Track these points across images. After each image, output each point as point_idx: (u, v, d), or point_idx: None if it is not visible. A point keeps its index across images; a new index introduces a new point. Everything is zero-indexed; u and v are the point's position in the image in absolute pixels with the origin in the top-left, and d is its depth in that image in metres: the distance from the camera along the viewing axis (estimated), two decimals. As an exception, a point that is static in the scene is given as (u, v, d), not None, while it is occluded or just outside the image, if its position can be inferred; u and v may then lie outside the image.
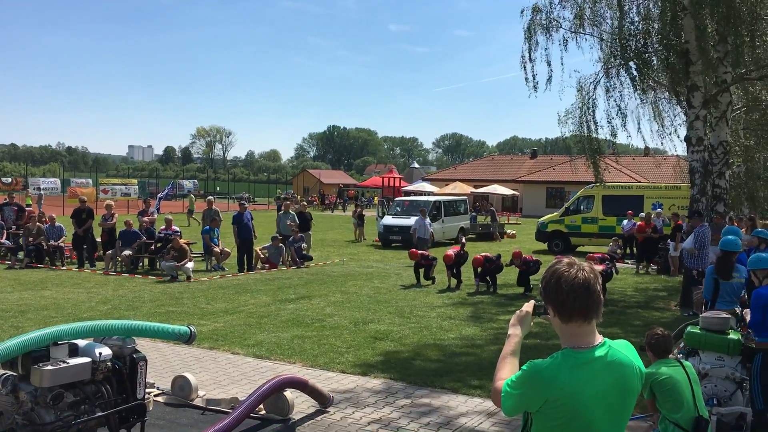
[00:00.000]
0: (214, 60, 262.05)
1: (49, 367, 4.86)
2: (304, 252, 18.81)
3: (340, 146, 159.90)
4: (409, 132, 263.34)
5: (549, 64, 15.28)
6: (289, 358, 8.51)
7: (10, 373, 5.06)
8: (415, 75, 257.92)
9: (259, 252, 18.02)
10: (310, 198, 57.85)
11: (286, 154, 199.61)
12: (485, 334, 10.18)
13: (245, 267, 17.05)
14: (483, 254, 14.85)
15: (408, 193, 43.43)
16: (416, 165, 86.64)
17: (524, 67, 15.41)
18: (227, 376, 7.72)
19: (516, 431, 6.04)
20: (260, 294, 13.41)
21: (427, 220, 20.04)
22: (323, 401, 6.62)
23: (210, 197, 21.10)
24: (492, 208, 34.64)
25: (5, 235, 19.45)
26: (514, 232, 32.00)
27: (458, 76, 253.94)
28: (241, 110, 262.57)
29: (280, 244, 18.37)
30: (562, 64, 15.44)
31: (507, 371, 2.54)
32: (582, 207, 24.58)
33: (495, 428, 6.18)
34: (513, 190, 51.38)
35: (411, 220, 25.21)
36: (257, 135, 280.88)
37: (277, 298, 12.86)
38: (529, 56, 15.26)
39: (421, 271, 15.10)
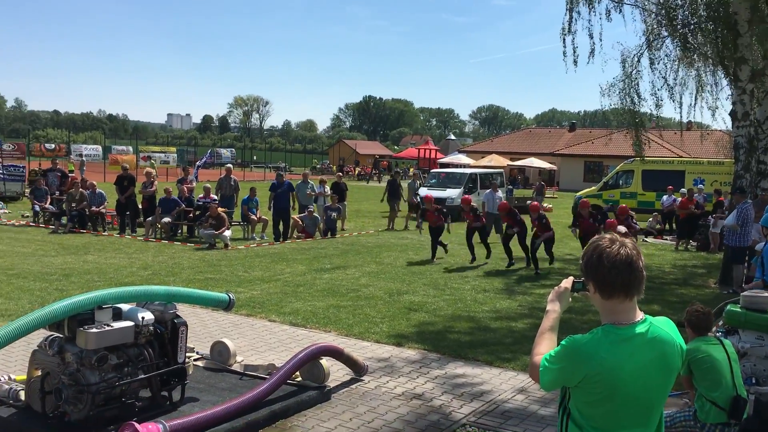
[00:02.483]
0: (252, 29, 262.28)
1: (94, 330, 5.01)
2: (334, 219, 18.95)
3: (376, 117, 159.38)
4: (445, 103, 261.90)
5: (591, 37, 14.91)
6: (325, 326, 8.62)
7: (56, 334, 5.24)
8: (453, 45, 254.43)
9: (297, 219, 18.20)
10: (345, 168, 57.94)
11: (323, 124, 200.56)
12: (520, 307, 10.16)
13: (281, 236, 17.23)
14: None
15: (444, 165, 43.22)
16: (452, 137, 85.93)
17: (563, 39, 15.03)
18: (264, 343, 7.87)
19: (549, 405, 6.06)
20: (296, 263, 13.56)
21: (498, 193, 19.52)
22: (358, 370, 6.72)
23: (229, 165, 21.23)
24: (542, 183, 34.18)
25: (49, 200, 19.95)
26: (550, 206, 31.64)
27: (497, 46, 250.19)
28: (278, 79, 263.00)
29: (315, 215, 18.51)
30: (601, 39, 15.00)
31: (545, 346, 2.55)
32: (621, 182, 24.20)
33: (528, 402, 6.21)
34: (550, 163, 50.74)
35: (446, 192, 25.20)
36: (294, 105, 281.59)
37: (312, 268, 12.99)
38: (569, 28, 14.88)
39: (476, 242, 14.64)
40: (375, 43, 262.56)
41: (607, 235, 2.48)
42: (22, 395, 5.45)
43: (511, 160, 49.37)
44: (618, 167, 25.11)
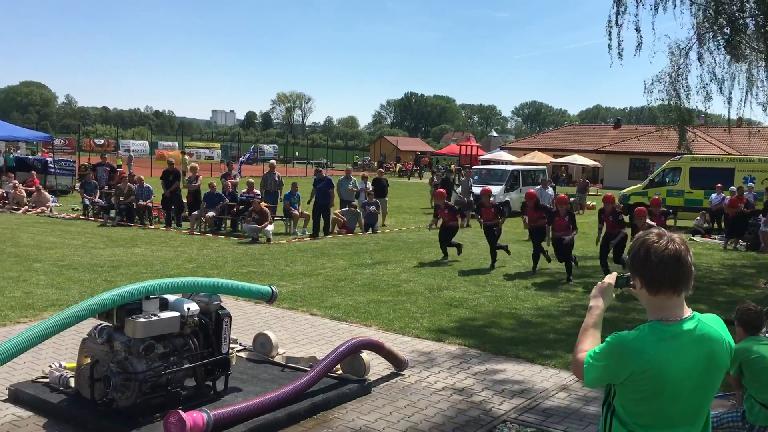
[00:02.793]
0: (295, 26, 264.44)
1: (142, 320, 5.13)
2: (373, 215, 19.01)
3: (417, 113, 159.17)
4: (487, 100, 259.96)
5: (638, 30, 14.65)
6: (365, 321, 8.66)
7: (105, 323, 5.37)
8: (495, 41, 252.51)
9: (339, 215, 18.31)
10: (386, 165, 57.98)
11: (364, 120, 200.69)
12: (562, 305, 10.05)
13: (320, 231, 17.34)
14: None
15: (485, 162, 42.92)
16: (494, 133, 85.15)
17: (609, 33, 14.80)
18: (305, 336, 7.95)
19: (592, 404, 5.98)
20: (337, 258, 13.64)
21: (549, 190, 19.23)
22: (398, 364, 6.73)
23: (273, 161, 21.43)
24: (586, 180, 33.69)
25: (98, 194, 20.45)
26: (593, 203, 31.18)
27: (540, 42, 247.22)
28: (320, 76, 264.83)
29: (357, 210, 18.60)
30: (653, 29, 14.73)
31: (589, 343, 2.52)
32: (668, 179, 23.71)
33: (570, 400, 6.14)
34: (594, 160, 49.96)
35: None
36: (336, 101, 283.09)
37: (353, 263, 13.05)
38: (616, 21, 14.65)
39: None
40: (417, 40, 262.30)
41: (655, 230, 2.44)
42: (72, 382, 5.61)
43: (554, 157, 48.80)
44: (665, 164, 24.61)
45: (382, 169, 26.58)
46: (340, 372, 6.30)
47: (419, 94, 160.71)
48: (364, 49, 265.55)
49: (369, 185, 20.16)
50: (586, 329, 2.57)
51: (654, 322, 2.37)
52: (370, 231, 18.45)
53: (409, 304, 9.64)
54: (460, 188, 22.99)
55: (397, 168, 60.94)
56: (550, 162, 45.38)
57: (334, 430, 5.33)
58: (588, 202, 31.14)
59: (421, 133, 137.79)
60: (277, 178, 18.84)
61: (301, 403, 5.58)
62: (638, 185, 25.70)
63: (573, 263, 12.63)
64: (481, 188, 16.05)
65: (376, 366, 6.67)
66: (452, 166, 54.66)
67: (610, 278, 2.65)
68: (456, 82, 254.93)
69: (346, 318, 8.79)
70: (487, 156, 49.57)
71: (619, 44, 14.75)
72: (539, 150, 50.10)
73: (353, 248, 15.11)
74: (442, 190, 16.03)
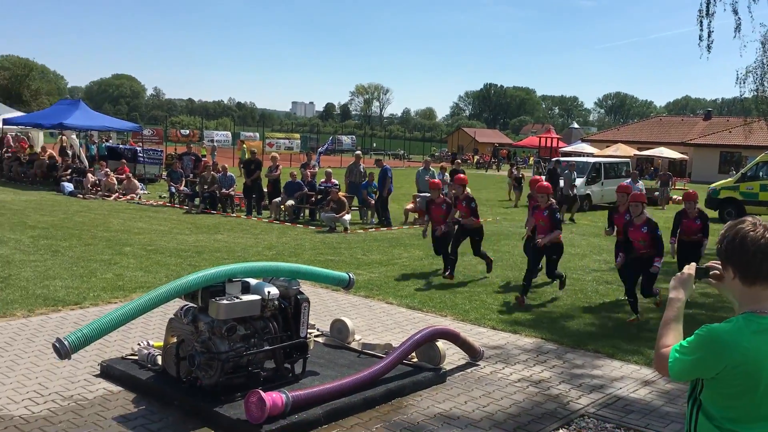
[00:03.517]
0: (374, 18, 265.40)
1: (225, 302, 5.30)
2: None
3: (496, 105, 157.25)
4: (569, 91, 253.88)
5: (736, 12, 13.91)
6: (441, 311, 8.65)
7: (191, 305, 5.58)
8: (578, 30, 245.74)
9: (413, 202, 18.41)
10: (463, 156, 57.55)
11: (442, 112, 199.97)
12: (644, 301, 9.74)
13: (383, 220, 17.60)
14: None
15: (566, 154, 41.99)
16: (575, 125, 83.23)
17: (700, 22, 14.16)
18: (381, 324, 8.01)
19: (676, 401, 5.79)
20: (413, 248, 13.67)
21: (639, 184, 18.52)
22: (474, 354, 6.70)
23: (358, 152, 21.61)
24: (669, 173, 32.49)
25: (184, 182, 21.19)
26: (680, 197, 30.04)
27: (625, 31, 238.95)
28: (398, 68, 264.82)
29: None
30: (751, 14, 14.03)
31: (672, 337, 2.43)
32: (762, 173, 22.55)
33: (652, 397, 5.96)
34: (681, 153, 48.06)
35: (568, 181, 24.47)
36: (414, 93, 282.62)
37: (429, 253, 13.02)
38: (707, 10, 14.00)
39: None
40: (496, 30, 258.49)
41: (748, 218, 2.34)
42: (159, 360, 5.86)
43: (639, 149, 47.22)
44: (758, 158, 23.41)
45: (458, 161, 26.39)
46: (415, 360, 6.32)
47: (498, 86, 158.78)
48: (443, 40, 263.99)
49: (447, 176, 20.08)
50: (668, 323, 2.47)
51: (748, 314, 2.27)
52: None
53: (485, 296, 9.57)
54: (562, 181, 22.07)
55: (475, 160, 60.43)
56: (634, 155, 43.96)
57: (409, 416, 5.36)
58: (674, 196, 30.01)
59: (500, 125, 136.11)
60: (362, 169, 19.01)
61: (377, 388, 5.64)
62: (728, 179, 24.58)
63: (561, 280, 9.91)
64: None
65: (452, 356, 6.67)
66: (531, 158, 53.78)
67: (690, 269, 2.55)
68: (536, 72, 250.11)
69: (421, 307, 8.81)
70: (567, 148, 48.50)
71: (709, 35, 14.11)
72: (623, 142, 48.61)
73: (429, 239, 15.07)
74: (436, 180, 12.46)
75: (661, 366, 2.40)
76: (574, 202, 20.62)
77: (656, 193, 28.13)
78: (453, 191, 11.30)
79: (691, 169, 50.45)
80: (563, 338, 7.63)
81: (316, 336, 6.90)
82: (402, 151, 67.81)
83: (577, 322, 8.40)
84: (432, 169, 19.83)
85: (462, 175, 11.06)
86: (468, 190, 10.90)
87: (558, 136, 53.61)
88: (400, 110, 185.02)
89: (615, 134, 59.56)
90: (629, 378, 6.43)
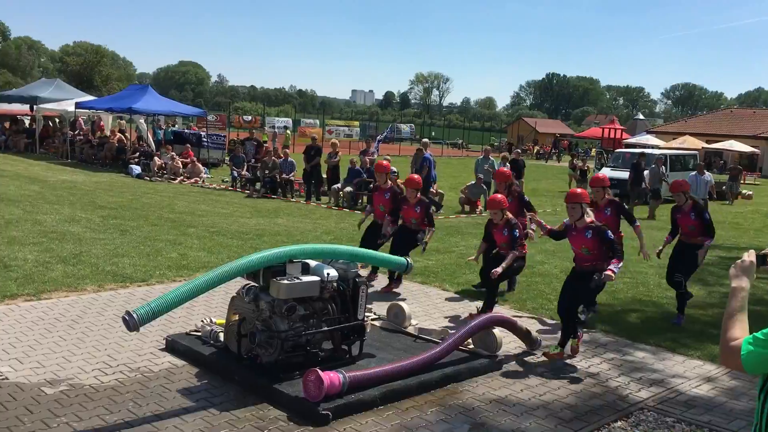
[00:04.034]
0: (435, 6, 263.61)
1: (285, 282, 5.41)
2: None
3: (558, 95, 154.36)
4: (634, 81, 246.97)
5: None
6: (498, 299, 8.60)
7: (253, 284, 5.72)
8: (645, 19, 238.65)
9: (464, 193, 18.40)
10: (523, 147, 56.79)
11: (502, 101, 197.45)
12: (709, 296, 9.48)
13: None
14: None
15: (629, 146, 40.95)
16: (641, 116, 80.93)
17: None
18: (437, 310, 8.03)
19: (741, 398, 5.64)
20: (471, 237, 13.60)
21: (707, 176, 17.52)
22: (531, 344, 6.66)
23: (425, 140, 21.59)
24: (739, 167, 31.36)
25: (246, 167, 21.59)
26: (750, 192, 28.99)
27: (695, 19, 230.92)
28: (459, 56, 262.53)
29: (483, 185, 18.55)
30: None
31: (739, 329, 2.34)
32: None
33: (716, 393, 5.81)
34: (753, 147, 46.25)
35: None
36: (474, 82, 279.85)
37: (487, 242, 12.97)
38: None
39: None
40: (560, 18, 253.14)
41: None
42: (221, 337, 6.03)
43: (707, 142, 45.66)
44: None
45: (519, 150, 26.05)
46: (471, 346, 6.33)
47: (561, 75, 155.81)
48: (504, 29, 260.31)
49: (507, 166, 19.91)
50: (733, 314, 2.37)
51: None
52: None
53: (543, 286, 9.47)
54: (647, 175, 20.93)
55: (535, 150, 59.56)
56: (702, 147, 42.54)
57: (464, 401, 5.37)
58: (744, 191, 28.97)
59: (562, 116, 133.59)
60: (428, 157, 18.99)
61: (432, 373, 5.67)
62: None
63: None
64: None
65: (508, 344, 6.64)
66: (593, 150, 52.65)
67: (750, 255, 2.45)
68: (601, 62, 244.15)
69: (478, 295, 8.78)
70: (631, 140, 47.26)
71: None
72: (690, 134, 47.06)
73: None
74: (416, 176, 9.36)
75: (731, 360, 2.31)
76: (657, 199, 19.70)
77: (724, 187, 27.21)
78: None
79: (763, 163, 48.50)
80: (622, 331, 7.50)
81: (373, 319, 6.98)
82: (461, 141, 67.39)
83: (637, 316, 8.24)
84: (492, 158, 19.67)
85: (498, 196, 7.96)
86: (509, 215, 7.97)
87: (622, 128, 52.37)
88: (460, 99, 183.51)
89: (682, 126, 57.69)
90: (691, 373, 6.28)
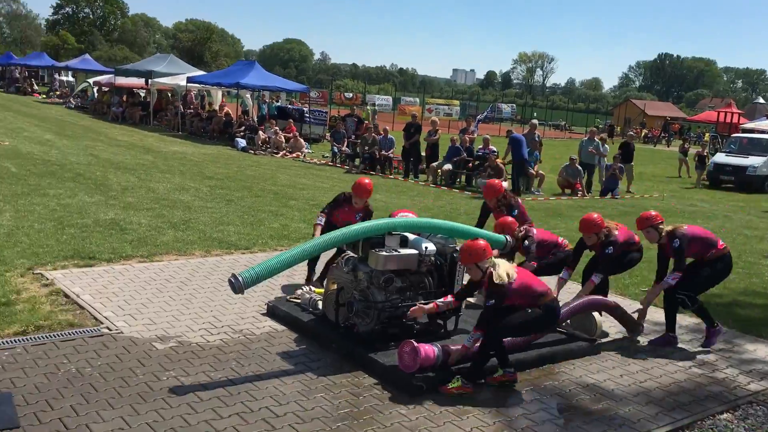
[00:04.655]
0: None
1: (384, 253, 5.47)
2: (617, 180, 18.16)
3: (671, 76, 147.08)
4: (756, 63, 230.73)
5: None
6: (598, 283, 8.36)
7: (351, 254, 5.81)
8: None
9: (560, 176, 17.98)
10: (630, 130, 54.56)
11: (609, 83, 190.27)
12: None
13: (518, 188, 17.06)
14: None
15: (746, 131, 38.56)
16: (761, 100, 75.86)
17: None
18: (535, 291, 7.88)
19: None
20: (570, 220, 13.24)
21: None
22: (633, 329, 6.44)
23: (534, 121, 21.16)
24: None
25: (346, 143, 21.90)
26: None
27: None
28: (564, 36, 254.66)
29: (578, 166, 18.00)
30: None
31: None
32: None
33: (834, 392, 5.44)
34: None
35: (748, 160, 22.61)
36: (580, 62, 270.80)
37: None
38: None
39: None
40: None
41: None
42: (320, 305, 6.18)
43: (835, 129, 42.32)
44: None
45: (632, 134, 25.07)
46: (569, 329, 6.19)
47: (674, 56, 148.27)
48: (613, 7, 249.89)
49: (605, 148, 19.25)
50: None
51: None
52: (610, 195, 17.66)
53: (647, 272, 9.08)
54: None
55: (642, 134, 57.13)
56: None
57: (560, 383, 5.28)
58: None
59: (673, 98, 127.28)
60: (537, 138, 18.65)
61: (528, 352, 5.60)
62: None
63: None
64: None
65: (608, 328, 6.45)
66: (706, 135, 49.92)
67: None
68: (718, 42, 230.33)
69: (578, 278, 8.55)
70: (749, 125, 44.42)
71: None
72: (816, 120, 43.72)
73: (587, 212, 14.56)
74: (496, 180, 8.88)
75: None
76: None
77: None
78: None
79: None
80: (733, 322, 7.13)
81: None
82: (563, 122, 65.56)
83: (750, 307, 7.80)
84: (597, 140, 19.05)
85: (507, 218, 6.84)
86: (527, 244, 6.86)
87: (740, 112, 49.36)
88: (564, 80, 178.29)
89: (807, 111, 53.69)
90: (808, 370, 5.90)
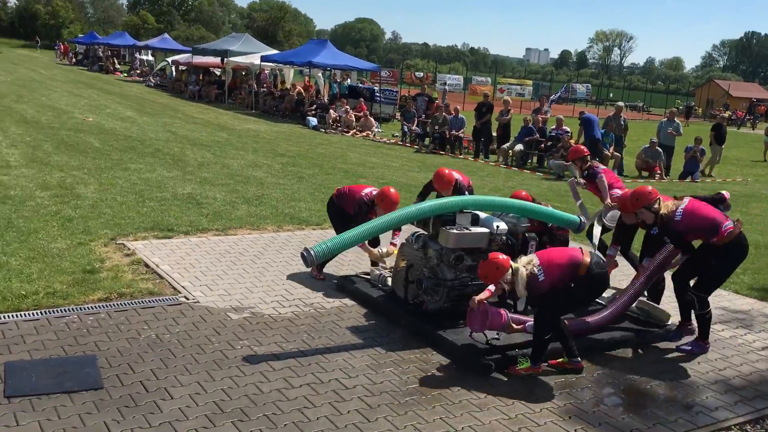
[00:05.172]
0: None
1: (455, 231, 5.44)
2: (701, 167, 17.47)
3: (757, 56, 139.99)
4: None
5: None
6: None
7: (422, 231, 5.81)
8: None
9: (639, 157, 17.44)
10: (715, 112, 52.31)
11: (691, 62, 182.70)
12: None
13: None
14: None
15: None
16: None
17: None
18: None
19: None
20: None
21: None
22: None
23: (620, 103, 20.50)
24: None
25: (416, 122, 21.83)
26: None
27: None
28: (644, 13, 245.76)
29: (658, 148, 17.37)
30: None
31: None
32: None
33: None
34: None
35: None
36: (660, 41, 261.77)
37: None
38: None
39: None
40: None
41: None
42: (389, 281, 6.21)
43: None
44: None
45: (723, 115, 24.08)
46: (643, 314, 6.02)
47: (762, 34, 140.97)
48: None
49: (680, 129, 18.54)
50: None
51: None
52: (689, 179, 17.03)
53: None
54: None
55: (727, 115, 54.68)
56: None
57: (632, 368, 5.15)
58: None
59: (760, 79, 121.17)
60: (622, 122, 18.07)
61: (600, 336, 5.48)
62: None
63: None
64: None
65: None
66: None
67: None
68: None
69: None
70: (844, 107, 41.95)
71: None
72: None
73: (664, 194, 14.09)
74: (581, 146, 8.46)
75: None
76: None
77: None
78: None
79: None
80: (820, 313, 6.79)
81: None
82: (641, 103, 63.37)
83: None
84: (677, 121, 18.36)
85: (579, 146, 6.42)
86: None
87: (833, 93, 46.60)
88: (643, 59, 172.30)
89: None
90: None
